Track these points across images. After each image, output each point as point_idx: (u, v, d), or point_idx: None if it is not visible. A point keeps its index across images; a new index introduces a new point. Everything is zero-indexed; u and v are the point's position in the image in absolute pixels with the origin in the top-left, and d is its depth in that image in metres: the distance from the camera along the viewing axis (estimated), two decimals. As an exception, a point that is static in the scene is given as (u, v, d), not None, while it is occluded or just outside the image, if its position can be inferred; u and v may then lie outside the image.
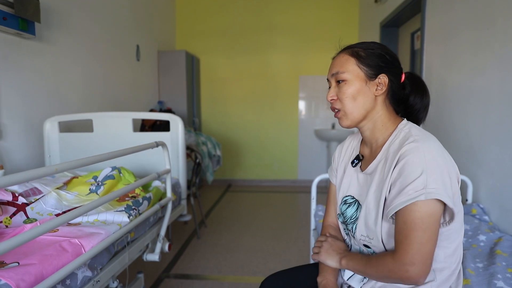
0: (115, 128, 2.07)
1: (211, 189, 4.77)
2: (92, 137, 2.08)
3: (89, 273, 1.10)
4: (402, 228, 0.82)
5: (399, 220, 0.83)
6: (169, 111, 3.68)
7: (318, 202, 2.04)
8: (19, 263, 0.93)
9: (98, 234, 1.15)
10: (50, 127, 2.09)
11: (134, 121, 2.08)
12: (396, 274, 0.82)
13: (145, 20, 3.85)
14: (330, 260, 1.01)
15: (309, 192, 4.53)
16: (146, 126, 3.17)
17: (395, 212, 0.84)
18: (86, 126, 2.26)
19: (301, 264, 2.10)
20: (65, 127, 2.26)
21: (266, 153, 5.03)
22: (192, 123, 4.43)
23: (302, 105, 4.93)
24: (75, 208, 1.35)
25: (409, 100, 1.01)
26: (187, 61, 4.21)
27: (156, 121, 3.17)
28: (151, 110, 3.70)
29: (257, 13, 4.80)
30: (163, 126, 3.12)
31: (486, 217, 1.76)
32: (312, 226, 1.97)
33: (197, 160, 2.88)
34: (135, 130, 2.11)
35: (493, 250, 1.47)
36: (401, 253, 0.81)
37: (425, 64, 2.58)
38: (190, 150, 2.84)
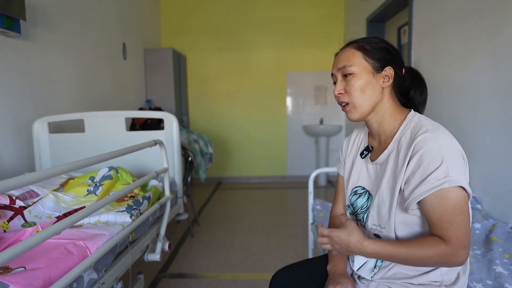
0: (107, 127, 2.02)
1: (201, 187, 4.74)
2: (84, 138, 2.04)
3: (95, 276, 1.08)
4: (443, 216, 0.82)
5: (436, 209, 0.83)
6: (158, 109, 3.63)
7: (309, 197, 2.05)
8: (25, 268, 0.90)
9: (102, 235, 1.13)
10: (40, 128, 2.03)
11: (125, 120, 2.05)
12: (449, 260, 0.82)
13: (131, 17, 3.78)
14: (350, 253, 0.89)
15: (299, 188, 4.61)
16: (136, 125, 3.12)
17: (423, 203, 0.85)
18: (77, 126, 2.20)
19: (297, 259, 2.10)
20: (55, 128, 2.20)
21: (255, 150, 5.03)
22: (181, 122, 4.38)
23: (290, 101, 4.95)
24: (74, 210, 1.33)
25: (409, 94, 1.04)
26: (174, 58, 4.16)
27: (146, 120, 3.13)
28: (140, 109, 3.65)
29: (243, 9, 4.78)
30: (154, 124, 3.08)
31: (478, 206, 1.82)
32: (310, 220, 1.99)
33: (189, 159, 2.86)
34: (126, 129, 2.07)
35: (489, 237, 1.51)
36: (454, 239, 0.81)
37: (413, 58, 2.63)
38: (182, 149, 2.81)
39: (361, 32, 3.85)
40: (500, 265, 1.28)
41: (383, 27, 3.66)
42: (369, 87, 0.95)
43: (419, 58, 2.54)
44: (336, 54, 1.03)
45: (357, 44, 0.98)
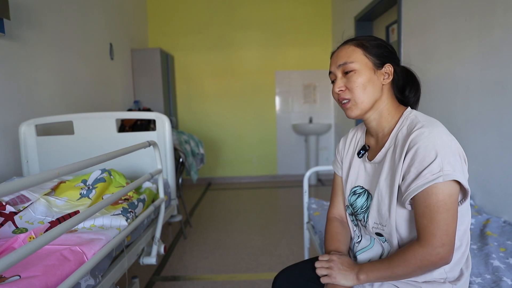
0: (98, 129, 1.97)
1: (192, 188, 4.70)
2: (73, 140, 1.98)
3: (92, 282, 1.05)
4: (425, 212, 0.82)
5: (421, 205, 0.83)
6: (147, 110, 3.58)
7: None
8: (20, 276, 0.87)
9: (99, 239, 1.10)
10: (26, 131, 1.96)
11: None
12: (428, 261, 0.82)
13: (117, 17, 3.71)
14: (345, 280, 0.93)
15: (290, 186, 4.61)
16: (126, 126, 3.06)
17: (413, 198, 0.85)
18: (66, 129, 2.14)
19: (293, 258, 2.08)
20: (43, 130, 2.14)
21: (245, 150, 5.01)
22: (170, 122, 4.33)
23: (278, 100, 4.95)
24: (68, 214, 1.28)
25: (405, 93, 1.04)
26: (161, 59, 4.11)
27: (136, 121, 3.07)
28: (129, 110, 3.58)
29: (230, 8, 4.75)
30: (144, 126, 3.03)
31: (471, 201, 1.84)
32: (305, 219, 1.98)
33: (181, 160, 2.82)
34: (117, 131, 2.03)
35: (483, 232, 1.54)
36: (429, 237, 0.81)
37: (403, 56, 2.66)
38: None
39: (349, 30, 3.87)
40: (497, 259, 1.29)
41: (371, 26, 3.68)
42: (370, 83, 0.95)
43: (409, 56, 2.57)
44: (333, 53, 1.03)
45: (356, 42, 0.99)
